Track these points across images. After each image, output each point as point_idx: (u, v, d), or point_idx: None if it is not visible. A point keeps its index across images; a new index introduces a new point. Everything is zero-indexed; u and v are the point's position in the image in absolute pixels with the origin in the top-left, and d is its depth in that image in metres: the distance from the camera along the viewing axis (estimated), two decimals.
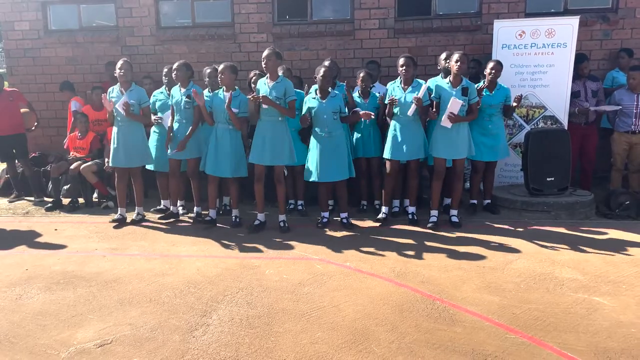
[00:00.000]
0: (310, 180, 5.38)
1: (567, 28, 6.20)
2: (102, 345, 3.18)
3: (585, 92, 6.33)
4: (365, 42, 7.37)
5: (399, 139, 5.33)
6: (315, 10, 7.52)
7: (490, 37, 6.60)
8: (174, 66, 5.57)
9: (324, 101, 5.24)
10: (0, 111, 6.60)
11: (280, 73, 5.21)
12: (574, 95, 6.32)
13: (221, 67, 5.31)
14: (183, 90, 5.56)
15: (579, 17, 6.33)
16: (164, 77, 5.98)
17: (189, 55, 7.58)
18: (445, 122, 5.11)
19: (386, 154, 5.43)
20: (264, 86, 5.17)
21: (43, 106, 7.89)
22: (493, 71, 5.56)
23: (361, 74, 5.72)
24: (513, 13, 6.98)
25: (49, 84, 8.08)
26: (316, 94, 5.29)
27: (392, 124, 5.40)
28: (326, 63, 5.57)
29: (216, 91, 5.45)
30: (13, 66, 8.20)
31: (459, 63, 5.07)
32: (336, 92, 5.37)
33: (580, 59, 6.30)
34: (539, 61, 6.33)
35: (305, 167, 5.43)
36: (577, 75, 6.33)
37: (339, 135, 5.30)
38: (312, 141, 5.37)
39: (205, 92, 5.78)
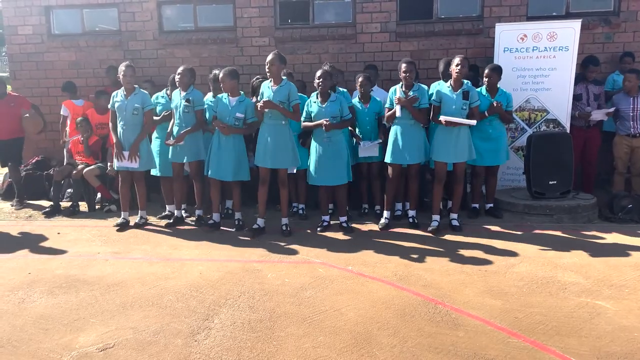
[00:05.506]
0: (311, 183, 5.41)
1: (569, 31, 6.20)
2: (105, 349, 3.19)
3: (588, 96, 6.32)
4: (367, 45, 7.38)
5: (400, 143, 5.33)
6: (317, 14, 7.54)
7: (492, 40, 6.60)
8: (179, 70, 5.57)
9: (323, 105, 5.25)
10: (1, 115, 6.62)
11: (283, 77, 5.22)
12: (577, 98, 6.31)
13: (220, 75, 5.28)
14: (183, 94, 5.53)
15: (580, 20, 6.33)
16: (169, 83, 5.99)
17: (192, 59, 7.61)
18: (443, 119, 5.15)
19: (387, 158, 5.44)
20: (267, 89, 5.17)
21: (46, 110, 7.86)
22: (487, 78, 5.61)
23: (360, 79, 5.72)
24: (515, 16, 6.98)
25: (52, 88, 8.10)
26: (317, 98, 5.31)
27: (393, 128, 5.41)
28: (325, 68, 5.58)
29: (220, 95, 5.45)
30: (16, 70, 8.24)
31: (459, 67, 5.08)
32: (336, 96, 5.37)
33: (594, 62, 6.26)
34: (541, 64, 6.33)
35: (307, 170, 5.45)
36: (582, 77, 6.33)
37: (338, 140, 5.31)
38: (313, 145, 5.39)
39: (210, 96, 5.81)
